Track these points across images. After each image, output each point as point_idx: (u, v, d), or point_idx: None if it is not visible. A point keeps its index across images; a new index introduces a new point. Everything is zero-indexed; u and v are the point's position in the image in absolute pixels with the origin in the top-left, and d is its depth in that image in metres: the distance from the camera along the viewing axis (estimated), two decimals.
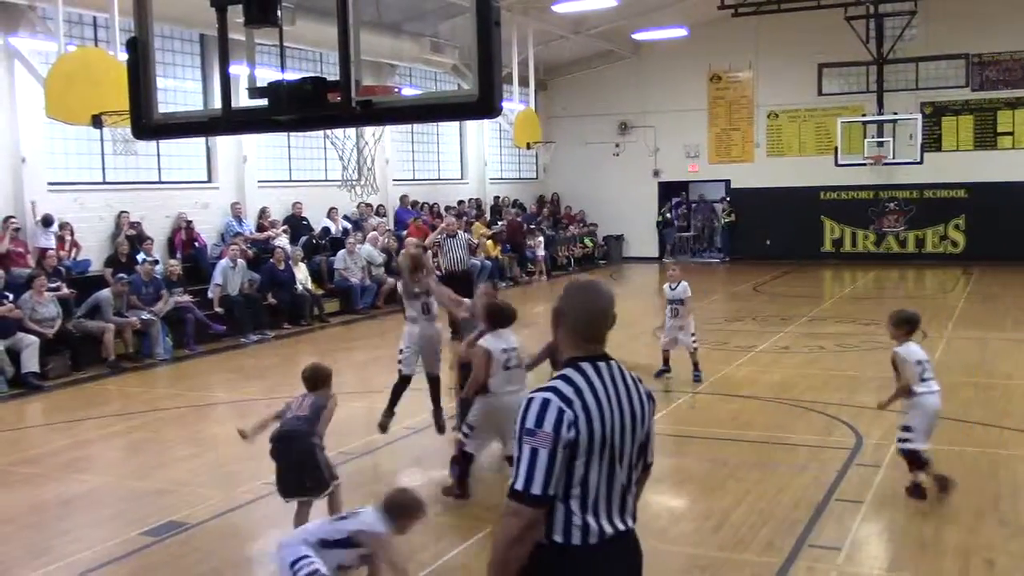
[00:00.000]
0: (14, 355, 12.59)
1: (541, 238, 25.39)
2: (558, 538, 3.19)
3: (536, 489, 3.09)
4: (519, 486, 3.10)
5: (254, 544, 7.07)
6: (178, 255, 16.91)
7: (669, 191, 29.65)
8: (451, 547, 6.68)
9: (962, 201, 26.01)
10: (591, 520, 3.20)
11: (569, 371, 3.23)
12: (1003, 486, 7.67)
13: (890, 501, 7.40)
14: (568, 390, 3.16)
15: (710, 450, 9.06)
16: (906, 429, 7.32)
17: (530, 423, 3.12)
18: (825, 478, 7.87)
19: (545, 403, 3.13)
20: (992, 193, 25.35)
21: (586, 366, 3.25)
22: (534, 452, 3.10)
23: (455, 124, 25.59)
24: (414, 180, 24.74)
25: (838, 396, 10.80)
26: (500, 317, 7.34)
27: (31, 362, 12.62)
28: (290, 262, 17.52)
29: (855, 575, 6.12)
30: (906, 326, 7.39)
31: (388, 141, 22.42)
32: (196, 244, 17.53)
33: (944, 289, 21.39)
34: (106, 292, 14.18)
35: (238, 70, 4.58)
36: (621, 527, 3.28)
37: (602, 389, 3.21)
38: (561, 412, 3.11)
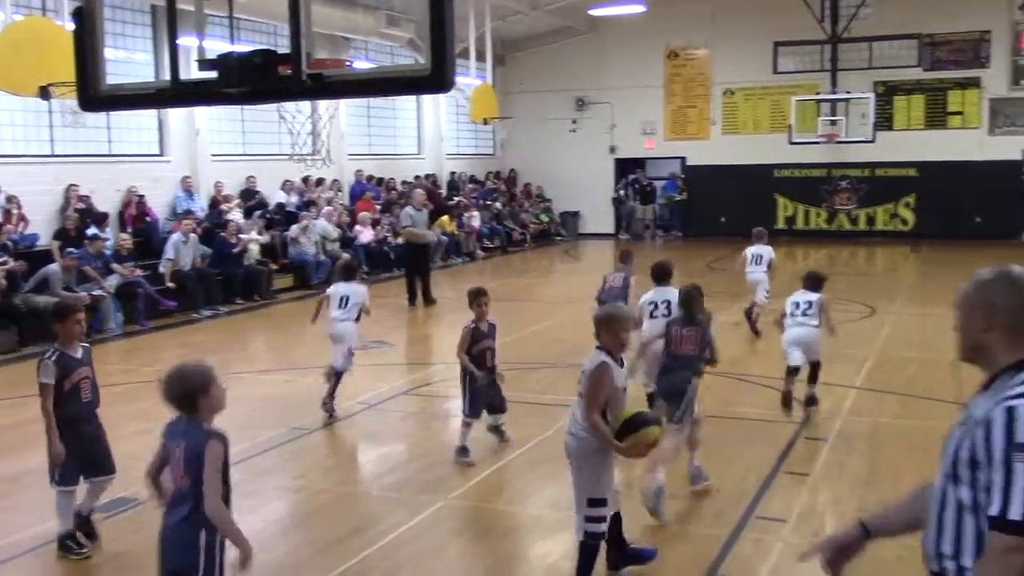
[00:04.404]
0: None
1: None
2: None
3: None
4: (1016, 515, 2.48)
5: None
6: (128, 229, 16.68)
7: (625, 168, 29.73)
8: (403, 521, 6.71)
9: (912, 180, 26.36)
10: None
11: None
12: None
13: (836, 474, 7.55)
14: None
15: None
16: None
17: (1021, 437, 2.51)
18: (773, 451, 8.00)
19: None
20: (942, 172, 25.71)
21: None
22: None
23: (412, 99, 25.44)
24: (370, 155, 24.59)
25: None
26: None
27: None
28: (242, 236, 17.37)
29: (801, 546, 6.23)
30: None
31: (343, 115, 22.25)
32: (148, 218, 17.31)
33: (893, 266, 21.73)
34: (55, 266, 13.96)
35: (188, 41, 4.53)
36: None
37: None
38: None
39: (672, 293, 8.61)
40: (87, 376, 6.23)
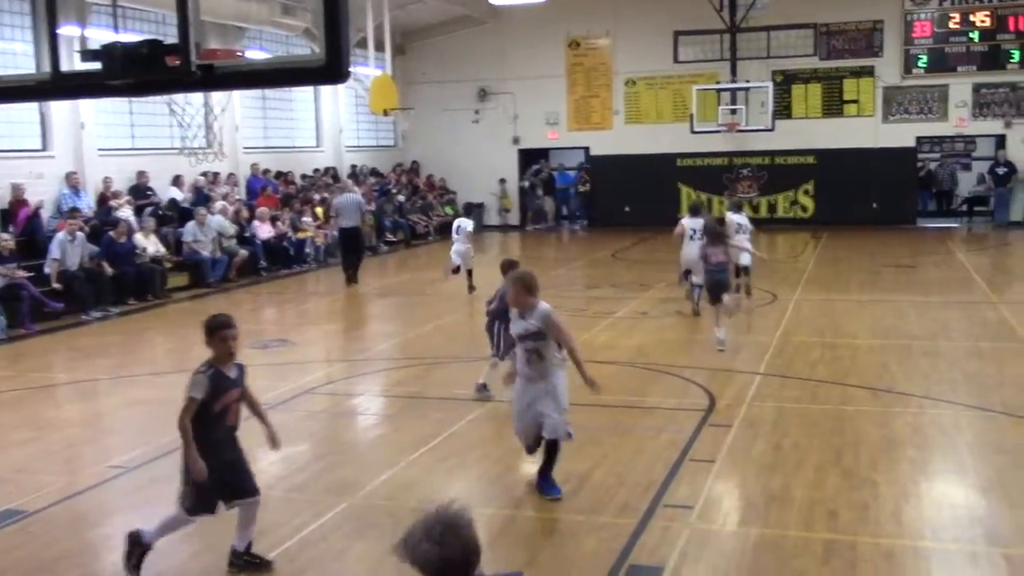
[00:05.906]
0: None
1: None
2: None
3: None
4: None
5: (97, 530, 6.74)
6: (11, 229, 15.91)
7: (529, 158, 29.72)
8: (308, 523, 6.53)
9: (811, 167, 26.96)
10: None
11: None
12: (846, 441, 7.99)
13: (741, 459, 7.62)
14: None
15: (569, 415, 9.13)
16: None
17: None
18: (680, 439, 8.04)
19: None
20: (838, 159, 26.35)
21: None
22: None
23: (309, 90, 24.98)
24: (266, 148, 24.02)
25: (693, 360, 11.06)
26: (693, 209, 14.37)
27: None
28: (135, 235, 16.77)
29: (708, 531, 6.27)
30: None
31: (238, 107, 21.68)
32: (39, 217, 16.55)
33: (794, 253, 22.21)
34: None
35: (70, 31, 4.30)
36: None
37: None
38: None
39: (701, 223, 13.16)
40: (237, 399, 5.81)
